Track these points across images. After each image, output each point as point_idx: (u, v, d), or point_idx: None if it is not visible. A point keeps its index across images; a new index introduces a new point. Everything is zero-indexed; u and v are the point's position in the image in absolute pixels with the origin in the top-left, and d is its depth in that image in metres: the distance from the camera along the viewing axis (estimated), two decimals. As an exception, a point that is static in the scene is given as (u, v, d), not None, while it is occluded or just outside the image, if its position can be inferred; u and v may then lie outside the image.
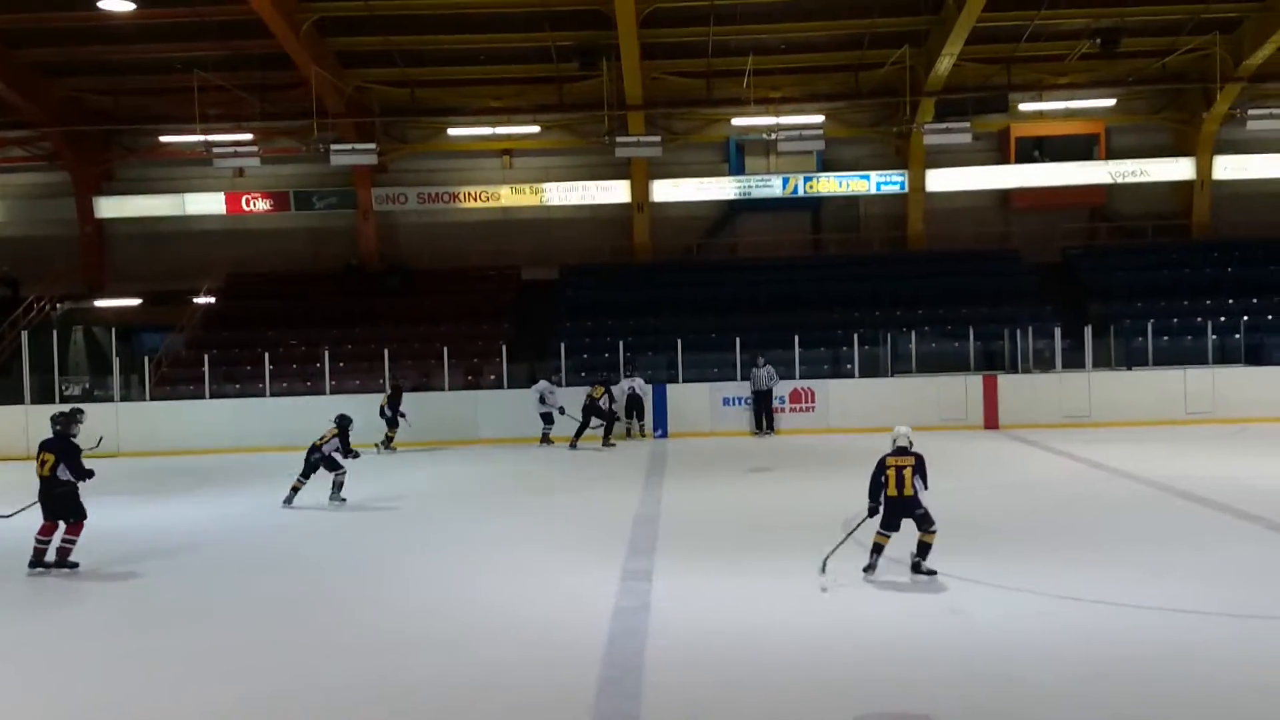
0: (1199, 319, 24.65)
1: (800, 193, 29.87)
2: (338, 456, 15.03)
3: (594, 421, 21.21)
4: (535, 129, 29.41)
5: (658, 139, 26.35)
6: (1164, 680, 7.13)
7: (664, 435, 22.77)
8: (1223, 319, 24.66)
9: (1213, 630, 8.18)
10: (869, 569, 9.89)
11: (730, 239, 31.15)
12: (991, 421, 22.65)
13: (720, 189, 30.25)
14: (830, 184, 29.85)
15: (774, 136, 26.49)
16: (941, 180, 29.73)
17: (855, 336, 24.05)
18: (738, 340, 23.65)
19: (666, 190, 30.25)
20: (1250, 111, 25.26)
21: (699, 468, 18.21)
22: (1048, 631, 8.23)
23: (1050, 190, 29.67)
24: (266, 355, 23.58)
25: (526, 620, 8.95)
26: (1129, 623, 8.41)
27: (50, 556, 11.04)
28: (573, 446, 21.00)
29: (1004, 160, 29.86)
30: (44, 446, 11.05)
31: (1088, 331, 23.63)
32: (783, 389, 22.97)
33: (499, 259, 30.20)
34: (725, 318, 26.06)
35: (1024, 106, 28.57)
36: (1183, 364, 23.20)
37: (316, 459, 15.04)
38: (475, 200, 30.50)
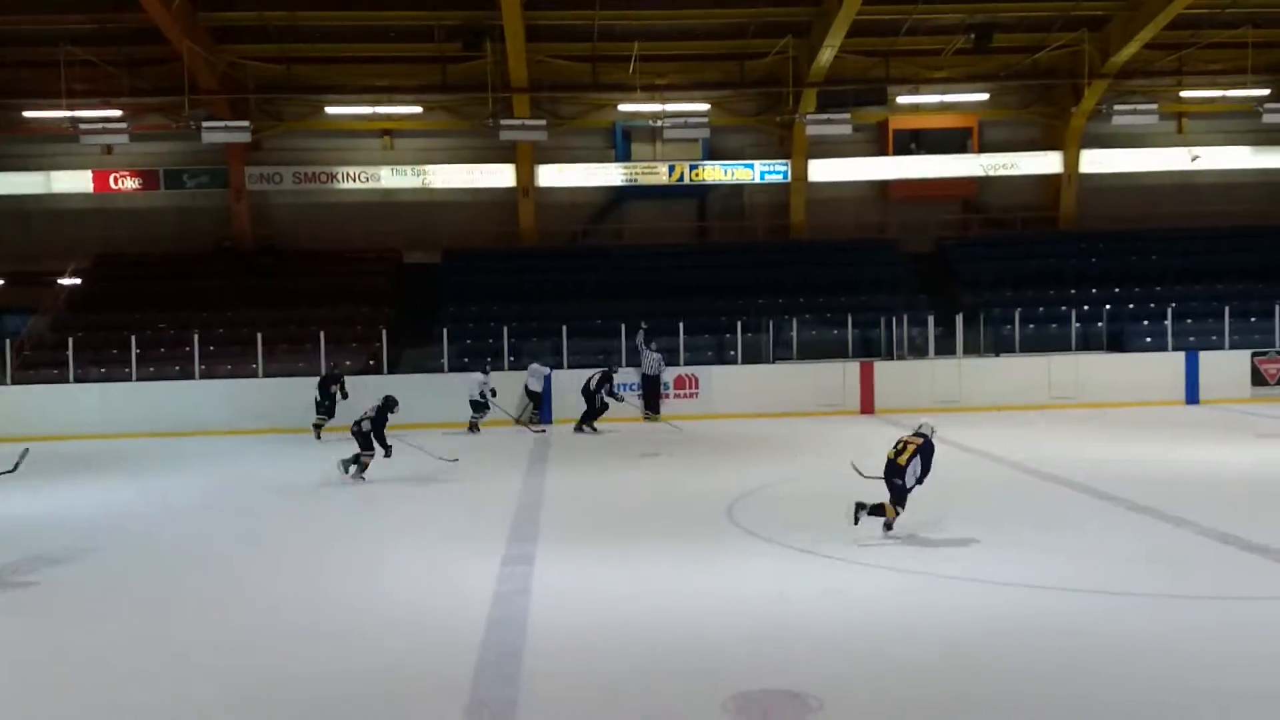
0: (1064, 308, 25.59)
1: (686, 181, 30.02)
2: (375, 438, 15.16)
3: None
4: (417, 110, 28.90)
5: (543, 123, 26.18)
6: (1030, 653, 7.38)
7: (549, 421, 22.69)
8: (1086, 308, 25.66)
9: (1079, 606, 8.50)
10: (855, 522, 10.55)
11: (617, 225, 31.15)
12: (868, 406, 23.18)
13: (607, 175, 30.21)
14: (716, 172, 30.08)
15: (660, 124, 26.59)
16: (823, 170, 30.22)
17: (739, 324, 24.34)
18: (623, 327, 23.70)
19: (552, 175, 30.08)
20: (1115, 107, 26.33)
21: (584, 453, 18.21)
22: (919, 608, 8.46)
23: (926, 182, 30.40)
24: (134, 339, 22.73)
25: (404, 609, 8.81)
26: (996, 599, 8.69)
27: None
28: (579, 429, 20.95)
29: (882, 152, 30.50)
30: None
31: (959, 319, 24.36)
32: (667, 375, 23.11)
33: (379, 241, 29.59)
34: (611, 304, 26.05)
35: (901, 99, 29.21)
36: (1048, 351, 24.10)
37: (356, 431, 15.33)
38: (354, 181, 29.84)
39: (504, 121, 26.06)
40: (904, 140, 30.54)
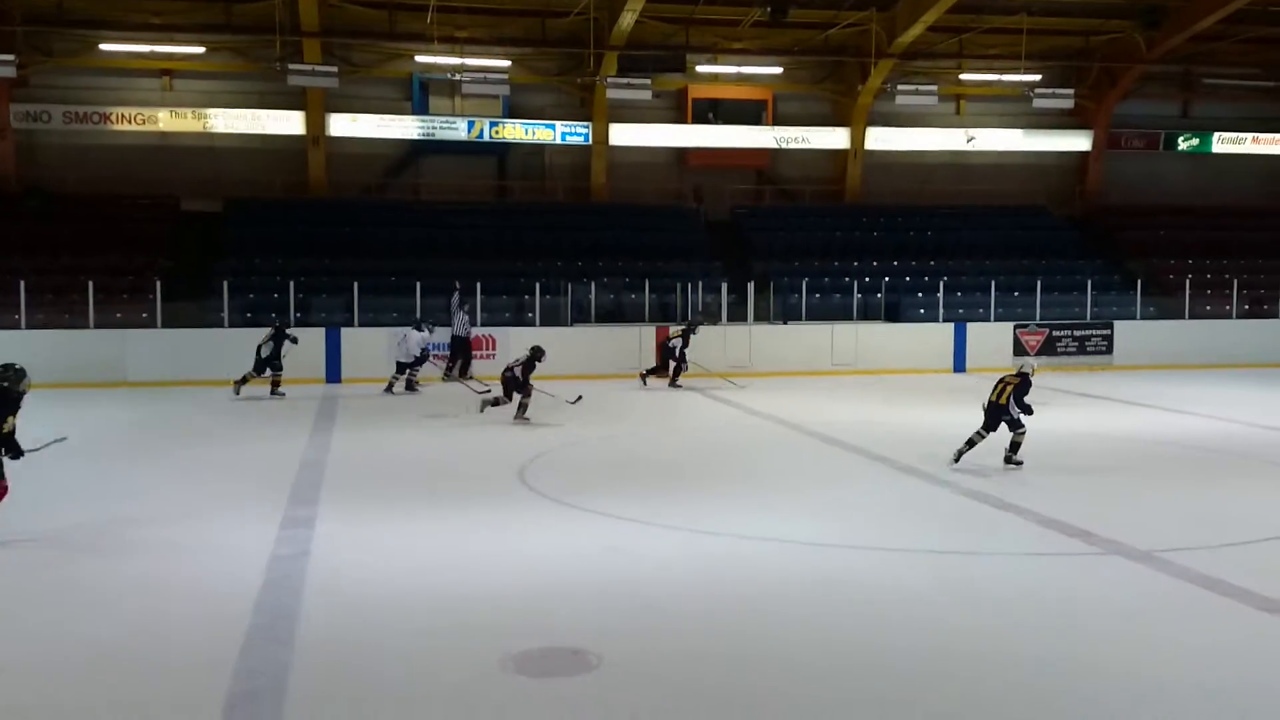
0: (847, 279, 26.73)
1: (486, 137, 29.55)
2: (529, 383, 16.33)
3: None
4: (199, 50, 27.32)
5: (334, 70, 25.26)
6: (807, 604, 7.70)
7: (336, 381, 22.06)
8: (867, 279, 26.86)
9: (847, 561, 8.92)
10: (956, 459, 12.48)
11: (413, 180, 30.43)
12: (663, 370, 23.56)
13: (403, 128, 29.40)
14: (517, 131, 29.75)
15: (459, 78, 26.05)
16: (624, 135, 30.36)
17: (537, 285, 24.26)
18: (418, 285, 23.25)
19: (344, 125, 29.04)
20: (899, 87, 27.54)
21: (373, 414, 17.80)
22: (701, 566, 8.69)
23: (722, 151, 31.03)
24: (-127, 284, 20.73)
25: (174, 573, 8.42)
26: (775, 554, 9.02)
27: None
28: (675, 385, 20.96)
29: (682, 119, 30.90)
30: None
31: (750, 287, 25.06)
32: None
33: (155, 188, 27.82)
34: (405, 261, 25.48)
35: (701, 68, 29.66)
36: (831, 320, 25.13)
37: (508, 378, 16.53)
38: (129, 123, 27.95)
39: (292, 66, 24.97)
40: (703, 109, 31.03)
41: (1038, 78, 28.58)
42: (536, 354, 16.63)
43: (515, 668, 6.45)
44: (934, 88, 27.65)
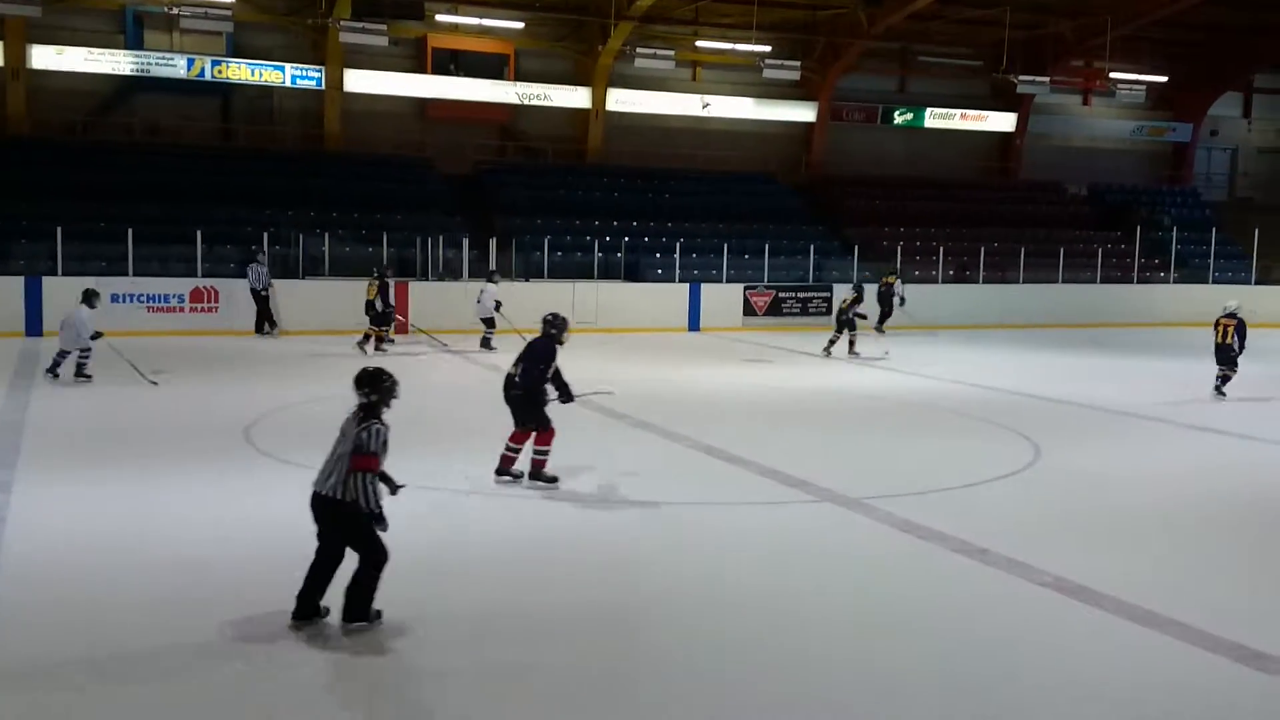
0: (588, 237, 27.01)
1: (208, 76, 27.73)
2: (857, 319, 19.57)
3: None
4: None
5: (35, -4, 22.95)
6: (532, 563, 7.77)
7: (38, 334, 20.28)
8: (608, 239, 27.24)
9: (578, 516, 9.05)
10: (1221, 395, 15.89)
11: (127, 119, 28.20)
12: (402, 327, 23.06)
13: (115, 63, 27.13)
14: (242, 71, 28.07)
15: (176, 11, 24.25)
16: (360, 82, 29.29)
17: (265, 235, 23.12)
18: (130, 231, 21.65)
19: (49, 57, 26.51)
20: (638, 50, 27.93)
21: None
22: (431, 524, 8.60)
23: (464, 104, 30.51)
24: None
25: None
26: (506, 509, 9.04)
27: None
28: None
29: (422, 70, 30.13)
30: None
31: (493, 243, 24.87)
32: (183, 287, 21.53)
33: None
34: (117, 206, 23.64)
35: (440, 17, 28.98)
36: (573, 278, 25.33)
37: (846, 320, 19.72)
38: None
39: (-14, -11, 22.51)
40: (443, 60, 30.37)
41: (768, 49, 29.67)
42: (860, 290, 20.18)
43: (235, 635, 6.18)
44: (671, 52, 28.23)
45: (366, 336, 19.86)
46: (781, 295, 26.90)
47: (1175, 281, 31.43)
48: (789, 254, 28.13)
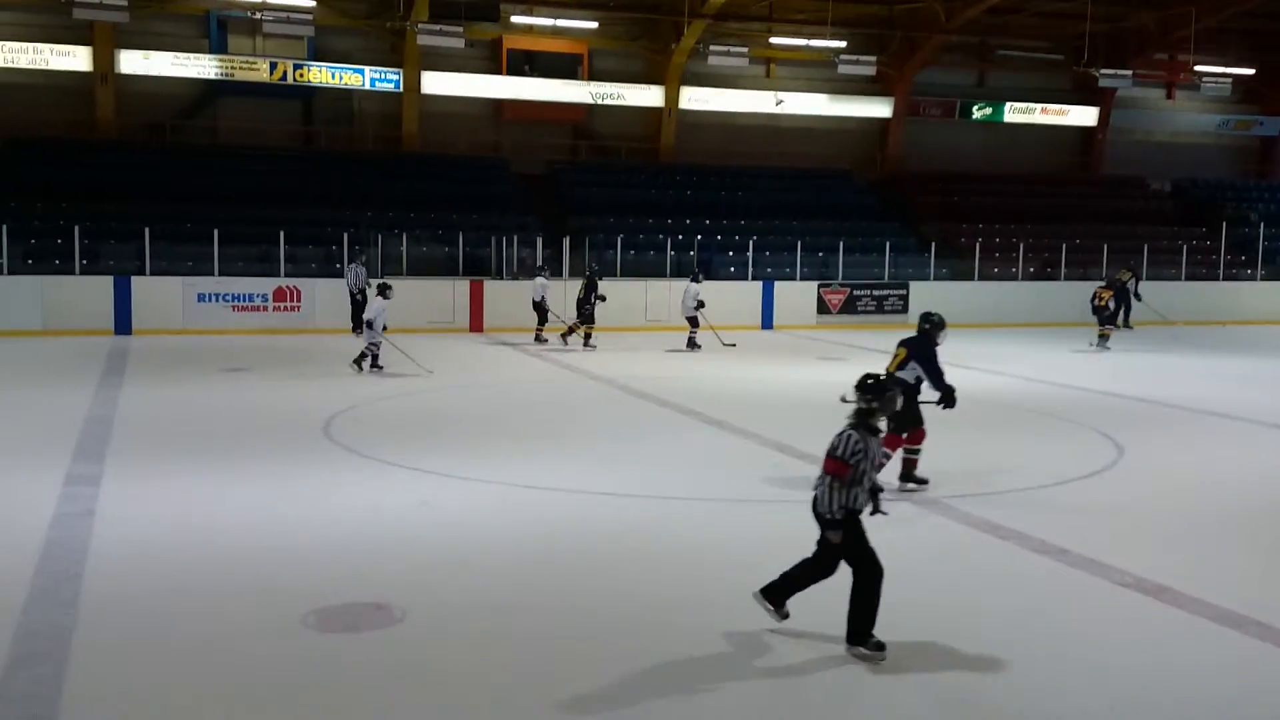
0: (661, 236, 27.05)
1: (290, 80, 28.35)
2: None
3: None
4: (-26, -23, 25.12)
5: (124, 3, 23.60)
6: (608, 555, 7.81)
7: (127, 333, 20.90)
8: (680, 237, 27.25)
9: (652, 510, 9.09)
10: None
11: (211, 122, 28.94)
12: (477, 325, 23.38)
13: (199, 67, 27.87)
14: (323, 74, 28.65)
15: (259, 16, 24.86)
16: (437, 84, 29.69)
17: (345, 236, 23.55)
18: (215, 233, 22.21)
19: (136, 62, 27.32)
20: (712, 47, 27.89)
21: (166, 367, 16.98)
22: (512, 518, 8.70)
23: (538, 104, 30.76)
24: None
25: (-61, 534, 7.85)
26: (583, 506, 9.10)
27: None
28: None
29: (497, 70, 30.44)
30: (902, 343, 9.79)
31: (566, 242, 25.03)
32: (266, 287, 22.04)
33: (-79, 123, 25.63)
34: (202, 207, 24.28)
35: (516, 19, 29.24)
36: (645, 276, 25.38)
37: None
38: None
39: (78, -3, 23.22)
40: (518, 61, 30.64)
41: (843, 44, 29.43)
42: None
43: (317, 624, 6.31)
44: (745, 49, 28.14)
45: (570, 330, 20.71)
46: (856, 293, 26.67)
47: (1262, 279, 30.50)
48: (864, 251, 27.87)
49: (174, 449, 11.02)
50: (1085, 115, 35.45)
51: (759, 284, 25.99)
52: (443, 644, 6.14)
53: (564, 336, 20.67)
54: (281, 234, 22.59)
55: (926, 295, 27.05)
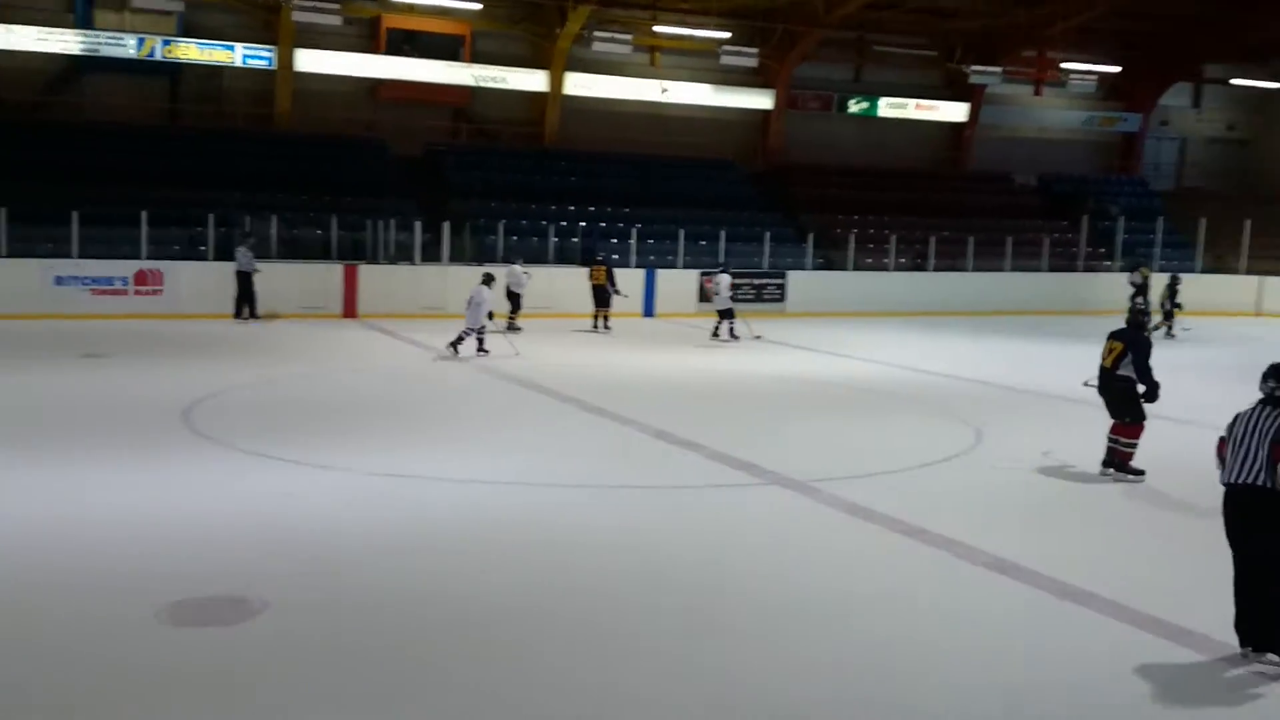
0: (543, 222, 26.89)
1: (158, 56, 27.26)
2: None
3: None
4: None
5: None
6: (482, 543, 7.76)
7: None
8: (563, 223, 27.14)
9: (533, 498, 9.05)
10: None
11: (76, 99, 27.67)
12: (351, 310, 22.92)
13: (63, 42, 26.61)
14: (192, 51, 27.63)
15: (126, -11, 23.87)
16: (311, 62, 28.92)
17: (211, 217, 22.81)
18: (75, 214, 21.27)
19: (-5, 35, 25.97)
20: (596, 34, 27.82)
21: (19, 353, 16.21)
22: (375, 509, 8.56)
23: (418, 85, 30.20)
24: None
25: None
26: (461, 495, 9.02)
27: None
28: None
29: (375, 50, 29.81)
30: (1114, 335, 10.13)
31: (446, 227, 24.70)
32: (127, 269, 21.21)
33: None
34: (63, 187, 23.18)
35: (394, -3, 28.72)
36: (528, 263, 25.12)
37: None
38: None
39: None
40: (397, 40, 30.05)
41: (727, 35, 29.66)
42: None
43: (170, 619, 6.13)
44: (629, 37, 28.15)
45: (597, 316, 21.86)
46: (736, 281, 26.90)
47: (1120, 270, 31.89)
48: (744, 240, 28.17)
49: (24, 440, 10.54)
50: (956, 111, 36.47)
51: (641, 271, 26.07)
52: (303, 638, 6.02)
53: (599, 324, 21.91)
54: (144, 214, 21.75)
55: (803, 285, 27.61)
